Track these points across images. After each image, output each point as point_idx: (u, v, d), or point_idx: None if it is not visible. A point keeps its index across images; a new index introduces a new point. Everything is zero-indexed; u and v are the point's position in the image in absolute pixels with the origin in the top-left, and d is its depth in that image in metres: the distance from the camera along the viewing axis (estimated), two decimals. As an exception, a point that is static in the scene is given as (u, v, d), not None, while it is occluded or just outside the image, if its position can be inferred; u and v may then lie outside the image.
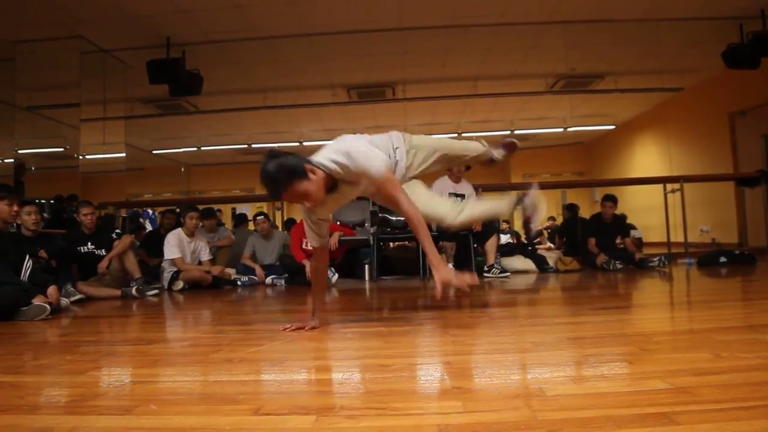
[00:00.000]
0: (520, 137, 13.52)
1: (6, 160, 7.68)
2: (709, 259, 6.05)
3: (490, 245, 5.51)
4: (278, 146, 13.54)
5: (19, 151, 7.40)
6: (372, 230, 5.83)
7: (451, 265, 5.50)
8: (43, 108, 7.85)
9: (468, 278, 2.40)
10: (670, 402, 1.23)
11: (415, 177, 2.89)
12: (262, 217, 6.21)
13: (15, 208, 3.78)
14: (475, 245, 5.71)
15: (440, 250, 6.88)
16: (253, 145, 13.20)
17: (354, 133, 2.53)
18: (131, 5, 6.09)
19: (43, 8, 6.01)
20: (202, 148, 13.09)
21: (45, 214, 7.14)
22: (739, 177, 7.95)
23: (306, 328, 2.43)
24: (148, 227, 9.26)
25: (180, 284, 5.22)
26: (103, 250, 4.94)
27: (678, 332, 2.29)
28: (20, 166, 7.30)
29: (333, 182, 2.35)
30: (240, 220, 8.35)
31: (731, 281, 4.59)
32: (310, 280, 2.90)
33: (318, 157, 2.32)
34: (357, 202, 6.68)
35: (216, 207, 7.82)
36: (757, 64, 7.00)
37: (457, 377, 1.59)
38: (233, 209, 13.91)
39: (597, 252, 6.08)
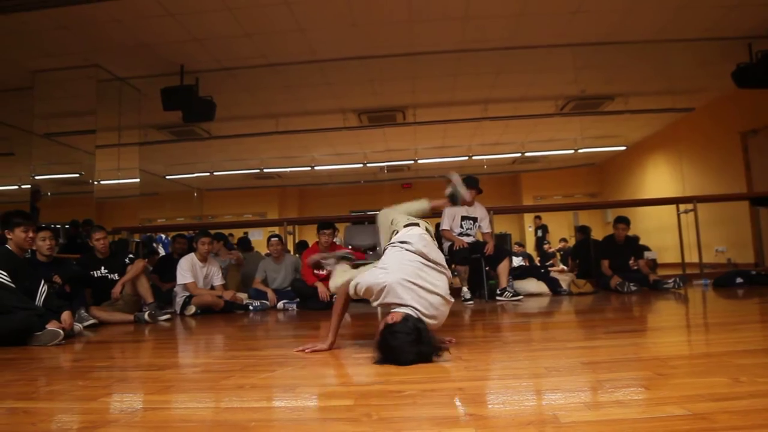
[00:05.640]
0: (531, 159, 13.61)
1: (23, 186, 7.81)
2: (725, 280, 5.96)
3: (503, 268, 5.48)
4: (290, 170, 13.66)
5: (36, 177, 7.52)
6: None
7: (466, 288, 5.48)
8: (60, 135, 8.00)
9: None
10: (687, 428, 1.21)
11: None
12: (276, 239, 6.13)
13: (30, 234, 3.83)
14: (488, 268, 5.68)
15: (453, 273, 6.85)
16: (265, 170, 13.32)
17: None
18: (147, 35, 6.24)
19: (61, 39, 6.17)
20: (215, 173, 13.22)
21: (60, 239, 7.22)
22: (753, 196, 7.87)
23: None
24: (162, 252, 9.32)
25: (192, 309, 5.23)
26: (116, 275, 4.97)
27: (695, 356, 2.25)
28: (36, 192, 7.41)
29: None
30: (244, 245, 8.11)
31: (748, 303, 4.51)
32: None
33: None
34: (368, 227, 6.70)
35: (228, 231, 7.81)
36: (767, 83, 6.98)
37: (470, 404, 1.58)
38: (245, 233, 13.97)
39: (611, 274, 6.02)
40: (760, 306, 4.24)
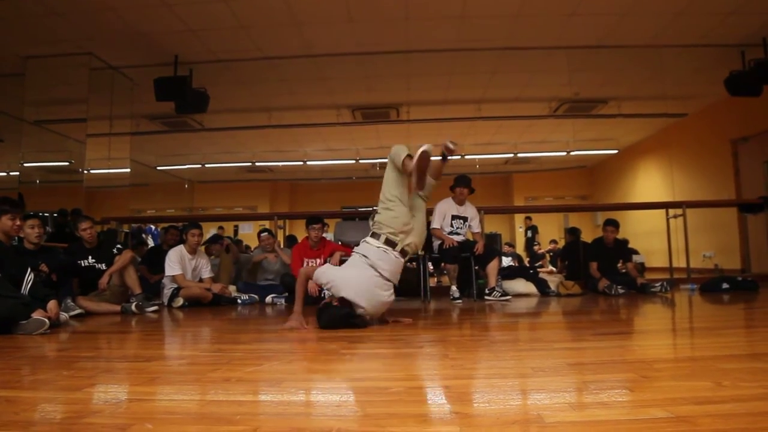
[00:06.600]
0: (523, 160, 13.65)
1: (12, 173, 7.73)
2: (712, 285, 6.01)
3: (492, 268, 5.49)
4: (282, 164, 13.62)
5: (25, 165, 7.44)
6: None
7: (454, 287, 5.49)
8: (51, 122, 7.92)
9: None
10: (670, 431, 1.21)
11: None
12: (266, 234, 6.34)
13: (18, 222, 3.80)
14: (477, 268, 5.69)
15: (443, 272, 6.87)
16: (257, 164, 13.27)
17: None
18: (141, 24, 6.18)
19: (54, 25, 6.11)
20: (207, 165, 13.16)
21: (48, 228, 7.15)
22: (742, 203, 7.95)
23: None
24: (151, 243, 9.26)
25: (180, 301, 5.21)
26: (103, 265, 4.93)
27: (679, 359, 2.27)
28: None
29: None
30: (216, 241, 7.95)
31: (734, 308, 4.55)
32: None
33: None
34: (358, 223, 6.70)
35: (219, 224, 7.75)
36: (759, 91, 7.03)
37: (456, 402, 1.58)
38: (236, 227, 13.94)
39: (599, 276, 6.05)
40: (745, 311, 4.29)
